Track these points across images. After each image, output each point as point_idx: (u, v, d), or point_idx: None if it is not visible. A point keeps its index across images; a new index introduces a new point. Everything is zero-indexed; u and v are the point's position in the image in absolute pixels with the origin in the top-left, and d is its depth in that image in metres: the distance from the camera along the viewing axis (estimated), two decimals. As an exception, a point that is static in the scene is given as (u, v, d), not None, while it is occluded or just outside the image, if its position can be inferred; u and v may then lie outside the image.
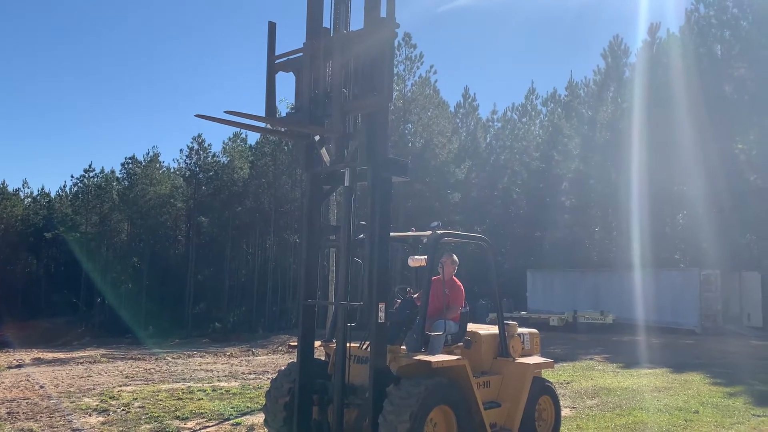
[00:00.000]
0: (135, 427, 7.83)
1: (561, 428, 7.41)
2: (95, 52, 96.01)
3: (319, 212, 6.73)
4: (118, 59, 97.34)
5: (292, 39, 6.51)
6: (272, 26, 6.27)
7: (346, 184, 6.14)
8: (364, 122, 6.08)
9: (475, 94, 44.00)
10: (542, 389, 7.09)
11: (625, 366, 15.02)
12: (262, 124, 6.58)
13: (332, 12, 6.23)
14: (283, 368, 6.73)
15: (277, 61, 6.29)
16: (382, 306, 5.78)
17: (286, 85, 6.43)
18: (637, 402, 10.00)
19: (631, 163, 29.77)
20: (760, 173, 28.54)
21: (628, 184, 30.01)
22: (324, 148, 6.34)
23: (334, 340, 6.43)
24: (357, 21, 6.17)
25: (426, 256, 6.55)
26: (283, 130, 7.20)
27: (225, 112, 5.36)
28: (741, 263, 28.20)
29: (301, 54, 6.23)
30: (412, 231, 7.34)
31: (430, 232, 6.64)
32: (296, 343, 6.39)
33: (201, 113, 5.54)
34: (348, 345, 5.97)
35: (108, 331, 41.99)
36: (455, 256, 7.03)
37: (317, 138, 6.37)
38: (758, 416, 8.93)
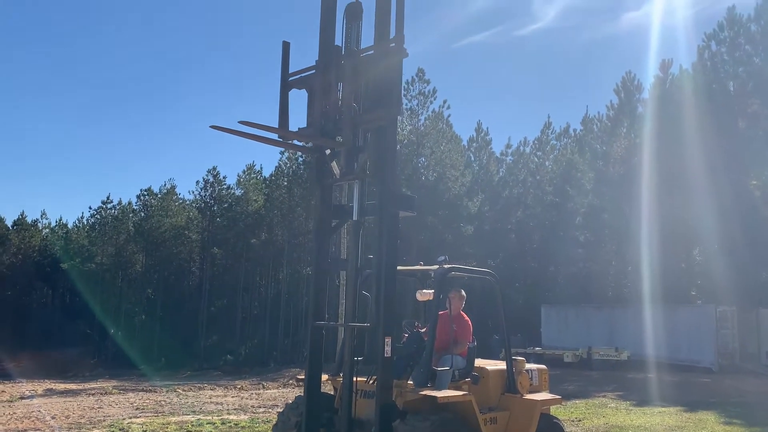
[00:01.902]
0: (143, 459, 7.86)
1: (570, 467, 7.32)
2: (113, 87, 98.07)
3: (328, 236, 6.81)
4: (135, 94, 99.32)
5: (302, 57, 6.73)
6: (286, 46, 6.52)
7: (355, 218, 6.24)
8: (374, 136, 6.26)
9: (488, 128, 44.33)
10: (550, 426, 7.04)
11: (638, 404, 14.81)
12: (275, 136, 6.70)
13: (344, 31, 6.47)
14: (290, 401, 6.75)
15: (290, 79, 6.52)
16: (388, 340, 5.81)
17: (298, 103, 6.59)
18: (650, 441, 9.87)
19: (645, 198, 29.69)
20: (776, 209, 28.33)
21: (642, 219, 29.88)
22: (334, 162, 6.51)
23: (341, 374, 6.47)
24: (368, 38, 6.41)
25: (433, 291, 6.60)
26: (295, 142, 7.34)
27: (239, 122, 5.49)
28: (758, 300, 27.79)
29: (313, 71, 6.46)
30: (420, 265, 7.40)
31: (437, 266, 6.70)
32: (303, 377, 6.42)
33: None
34: (355, 379, 6.00)
35: (120, 362, 42.02)
36: (463, 291, 7.09)
37: (328, 152, 6.55)
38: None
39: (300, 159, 43.43)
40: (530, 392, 7.06)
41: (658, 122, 30.85)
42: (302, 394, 6.50)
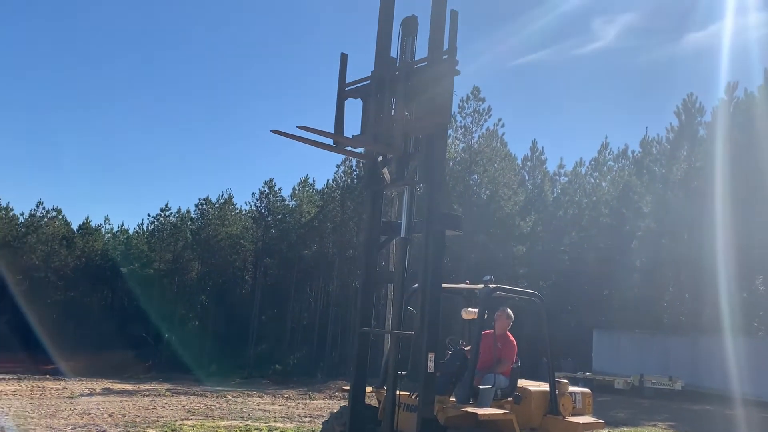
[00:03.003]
0: (193, 459, 8.17)
1: (612, 493, 7.24)
2: (175, 97, 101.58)
3: (377, 245, 6.97)
4: (195, 105, 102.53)
5: (356, 69, 6.99)
6: (344, 57, 6.83)
7: (403, 234, 6.42)
8: (424, 144, 6.49)
9: (543, 147, 43.89)
10: (592, 450, 6.99)
11: (690, 435, 14.38)
12: (330, 142, 6.94)
13: (399, 44, 6.73)
14: (334, 411, 6.93)
15: (347, 89, 6.81)
16: (432, 356, 5.93)
17: (354, 112, 6.88)
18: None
19: (705, 224, 28.89)
20: None
21: (702, 245, 29.06)
22: (386, 168, 6.74)
23: (385, 387, 6.61)
24: (422, 52, 6.64)
25: (478, 309, 6.69)
26: (351, 149, 7.57)
27: (298, 127, 5.81)
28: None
29: (368, 81, 6.75)
30: (467, 283, 7.50)
31: (483, 285, 6.79)
32: (348, 388, 6.59)
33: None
34: (398, 393, 6.14)
35: (173, 366, 43.14)
36: (510, 311, 7.15)
37: (380, 159, 6.79)
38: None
39: (354, 173, 44.00)
40: (573, 415, 7.05)
41: (720, 146, 30.03)
42: (346, 404, 6.68)
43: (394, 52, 6.75)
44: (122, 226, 69.79)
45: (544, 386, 7.10)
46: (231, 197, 57.72)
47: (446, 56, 6.34)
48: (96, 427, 10.21)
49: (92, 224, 65.92)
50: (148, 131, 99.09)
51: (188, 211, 59.71)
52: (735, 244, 28.62)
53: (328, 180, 48.92)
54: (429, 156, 6.36)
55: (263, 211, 50.82)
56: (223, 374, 36.72)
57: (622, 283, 34.06)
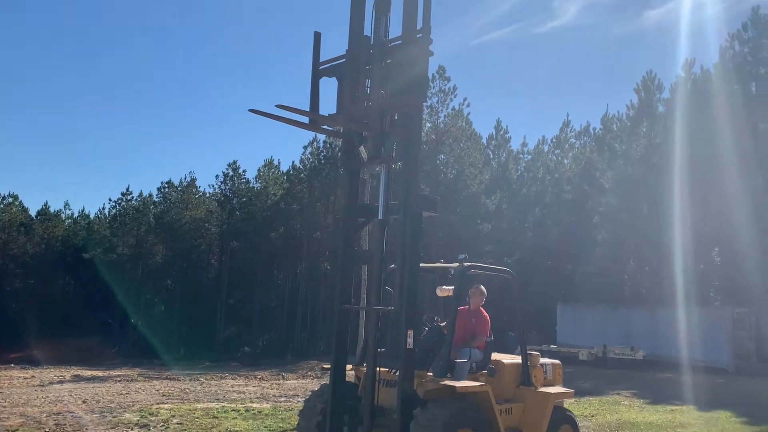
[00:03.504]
0: (174, 441, 8.28)
1: (582, 458, 7.62)
2: (134, 80, 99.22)
3: (355, 224, 7.07)
4: (157, 86, 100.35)
5: (329, 47, 7.07)
6: (317, 36, 6.91)
7: (380, 217, 6.58)
8: (400, 122, 6.61)
9: (507, 126, 44.42)
10: (563, 418, 7.34)
11: (651, 402, 15.02)
12: (307, 122, 6.99)
13: (373, 22, 6.81)
14: (316, 389, 7.12)
15: (321, 67, 6.88)
16: (410, 333, 6.15)
17: (327, 91, 6.95)
18: (661, 437, 10.12)
19: (664, 199, 29.71)
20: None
21: (661, 219, 29.89)
22: (362, 146, 6.87)
23: (364, 364, 6.82)
24: (395, 29, 6.75)
25: (453, 287, 6.93)
26: (327, 127, 7.64)
27: (276, 106, 5.93)
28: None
29: (343, 60, 6.82)
30: (441, 262, 7.72)
31: (458, 264, 7.02)
32: (329, 366, 6.77)
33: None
34: (378, 369, 6.35)
35: (140, 351, 42.79)
36: (483, 288, 7.42)
37: (356, 137, 6.90)
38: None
39: (322, 153, 43.86)
40: (544, 385, 7.38)
41: (679, 123, 30.79)
42: (327, 383, 6.87)
43: (368, 30, 6.83)
44: (83, 211, 68.45)
45: (517, 359, 7.41)
46: (194, 180, 56.99)
47: (420, 35, 6.43)
48: (71, 414, 10.22)
49: (51, 210, 64.52)
50: (107, 113, 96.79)
51: (150, 195, 58.87)
52: (692, 218, 29.57)
53: (293, 161, 48.78)
54: (405, 134, 6.48)
55: (228, 194, 50.38)
56: (191, 358, 36.62)
57: (585, 257, 34.85)
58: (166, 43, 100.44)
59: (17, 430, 8.66)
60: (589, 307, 31.05)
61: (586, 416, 11.93)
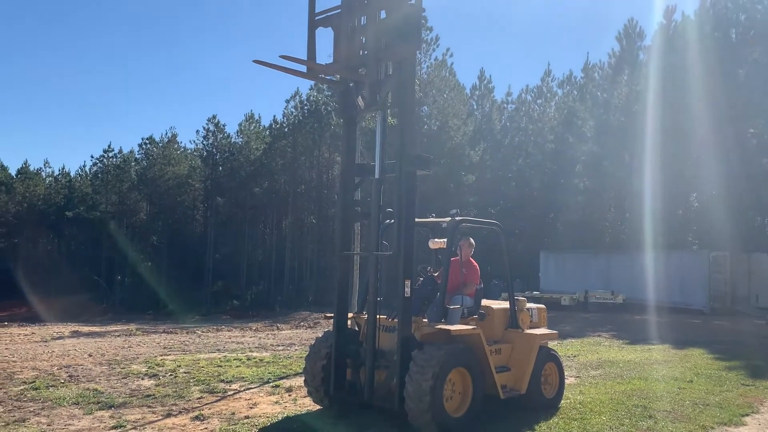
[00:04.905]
0: (186, 388, 8.80)
1: (565, 393, 8.26)
2: (113, 34, 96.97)
3: (353, 172, 7.39)
4: (135, 40, 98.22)
5: None
6: None
7: (377, 176, 6.97)
8: (395, 69, 6.91)
9: (490, 76, 44.48)
10: (548, 357, 7.95)
11: (630, 342, 15.84)
12: (304, 69, 7.24)
13: None
14: (320, 335, 7.64)
15: (317, 18, 7.12)
16: (407, 282, 6.64)
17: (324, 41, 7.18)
18: (637, 372, 10.84)
19: (645, 146, 30.23)
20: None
21: (642, 166, 30.48)
22: (359, 96, 7.18)
23: (364, 312, 7.31)
24: None
25: (445, 239, 7.39)
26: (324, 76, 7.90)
27: (280, 56, 6.27)
28: (754, 246, 28.67)
29: (339, 10, 7.08)
30: (433, 217, 8.16)
31: (450, 218, 7.48)
32: (333, 315, 7.25)
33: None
34: (377, 316, 6.87)
35: (129, 308, 43.30)
36: (472, 240, 7.91)
37: (352, 85, 7.22)
38: (747, 386, 9.74)
39: (305, 108, 43.68)
40: (530, 328, 7.96)
41: (659, 70, 31.11)
42: (330, 330, 7.37)
43: None
44: (63, 169, 67.88)
45: (505, 304, 7.96)
46: (175, 135, 56.78)
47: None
48: (81, 366, 10.67)
49: (31, 168, 63.92)
50: (83, 70, 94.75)
51: (132, 152, 58.51)
52: (671, 164, 30.23)
53: (275, 115, 48.51)
54: (400, 81, 6.77)
55: (210, 149, 50.20)
56: (180, 313, 37.10)
57: (567, 205, 35.58)
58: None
59: (33, 381, 9.11)
60: (571, 253, 31.91)
61: (569, 356, 12.65)
